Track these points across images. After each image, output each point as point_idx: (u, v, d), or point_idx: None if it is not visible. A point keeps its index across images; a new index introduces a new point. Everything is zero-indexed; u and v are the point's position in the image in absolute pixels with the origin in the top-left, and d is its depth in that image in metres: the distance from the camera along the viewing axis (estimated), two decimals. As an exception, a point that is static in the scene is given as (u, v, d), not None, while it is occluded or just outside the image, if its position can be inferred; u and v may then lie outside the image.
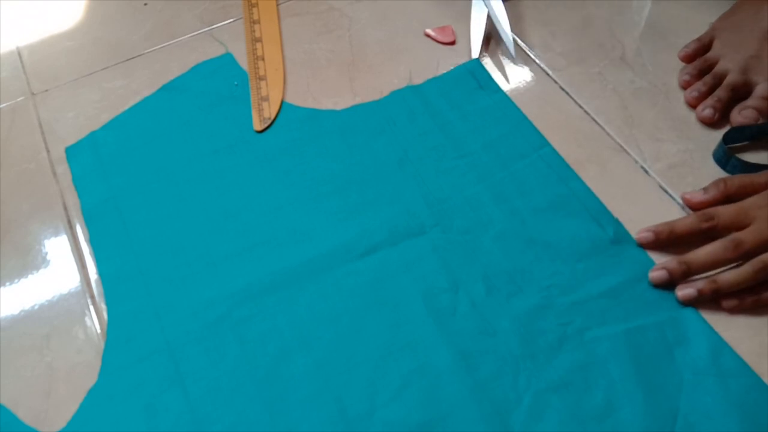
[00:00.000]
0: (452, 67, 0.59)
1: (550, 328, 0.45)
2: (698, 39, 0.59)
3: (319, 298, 0.46)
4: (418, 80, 0.59)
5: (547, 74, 0.59)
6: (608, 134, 0.55)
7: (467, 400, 0.42)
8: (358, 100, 0.58)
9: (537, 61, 0.60)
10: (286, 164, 0.53)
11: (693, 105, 0.56)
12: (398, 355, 0.44)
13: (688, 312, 0.45)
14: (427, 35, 0.62)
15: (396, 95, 0.57)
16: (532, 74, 0.59)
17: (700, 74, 0.57)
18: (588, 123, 0.55)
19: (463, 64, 0.59)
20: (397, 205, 0.51)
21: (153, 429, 0.42)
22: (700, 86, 0.56)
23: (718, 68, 0.56)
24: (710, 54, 0.57)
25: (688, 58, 0.58)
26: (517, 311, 0.45)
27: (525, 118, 0.55)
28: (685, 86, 0.57)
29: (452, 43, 0.61)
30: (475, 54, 0.59)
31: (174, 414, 0.42)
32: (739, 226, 0.45)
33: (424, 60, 0.60)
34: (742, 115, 0.54)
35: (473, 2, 0.61)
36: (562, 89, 0.58)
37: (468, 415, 0.41)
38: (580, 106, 0.57)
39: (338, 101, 0.58)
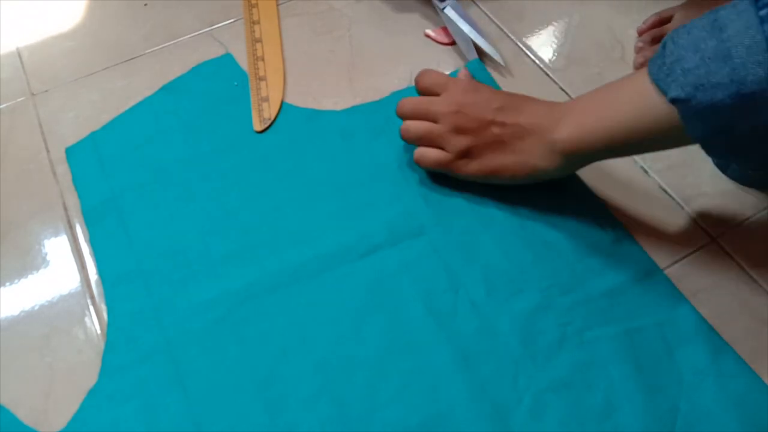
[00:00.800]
0: (453, 68, 0.59)
1: (550, 329, 0.45)
2: (658, 13, 0.60)
3: (319, 298, 0.46)
4: (418, 80, 0.59)
5: (547, 74, 0.59)
6: (608, 134, 0.55)
7: (467, 400, 0.42)
8: (358, 101, 0.58)
9: (537, 61, 0.60)
10: (286, 165, 0.53)
11: (636, 69, 0.57)
12: (398, 355, 0.44)
13: (688, 312, 0.45)
14: (427, 36, 0.62)
15: (396, 96, 0.57)
16: (532, 74, 0.59)
17: (654, 41, 0.58)
18: (588, 123, 0.55)
19: (465, 64, 0.59)
20: (397, 206, 0.51)
21: (153, 429, 0.42)
22: (647, 52, 0.57)
23: None
24: (669, 25, 0.59)
25: (645, 32, 0.60)
26: (517, 311, 0.45)
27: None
28: (637, 52, 0.59)
29: (452, 43, 0.61)
30: (473, 55, 0.59)
31: (174, 414, 0.42)
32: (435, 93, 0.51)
33: (424, 60, 0.60)
34: None
35: (444, 19, 0.61)
36: (562, 89, 0.58)
37: (468, 415, 0.41)
38: (580, 107, 0.56)
39: (338, 102, 0.58)
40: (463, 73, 0.56)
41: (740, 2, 0.36)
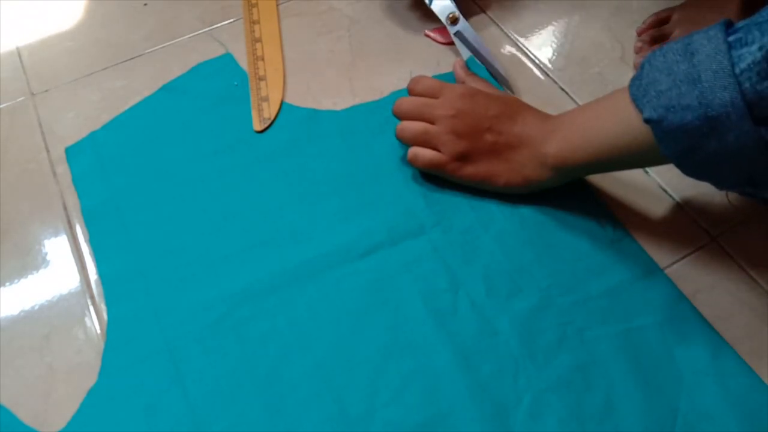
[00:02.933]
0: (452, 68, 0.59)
1: (549, 328, 0.45)
2: (657, 13, 0.60)
3: (319, 298, 0.46)
4: (418, 80, 0.59)
5: (547, 74, 0.59)
6: (608, 134, 0.55)
7: (467, 401, 0.42)
8: (357, 101, 0.58)
9: (537, 61, 0.60)
10: (286, 164, 0.53)
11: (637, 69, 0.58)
12: (398, 355, 0.44)
13: (688, 311, 0.45)
14: (427, 35, 0.62)
15: (396, 96, 0.57)
16: (532, 74, 0.59)
17: (653, 42, 0.58)
18: (588, 123, 0.55)
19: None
20: (397, 205, 0.51)
21: (153, 429, 0.42)
22: (646, 52, 0.57)
23: (670, 38, 0.58)
24: (667, 25, 0.59)
25: (644, 33, 0.60)
26: (517, 311, 0.45)
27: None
28: (637, 52, 0.59)
29: (452, 43, 0.61)
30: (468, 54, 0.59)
31: (174, 414, 0.42)
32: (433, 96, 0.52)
33: (424, 60, 0.60)
34: None
35: (455, 42, 0.60)
36: (562, 89, 0.58)
37: (468, 415, 0.41)
38: (580, 106, 0.56)
39: (338, 101, 0.58)
40: (458, 64, 0.56)
41: (712, 28, 0.38)
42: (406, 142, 0.52)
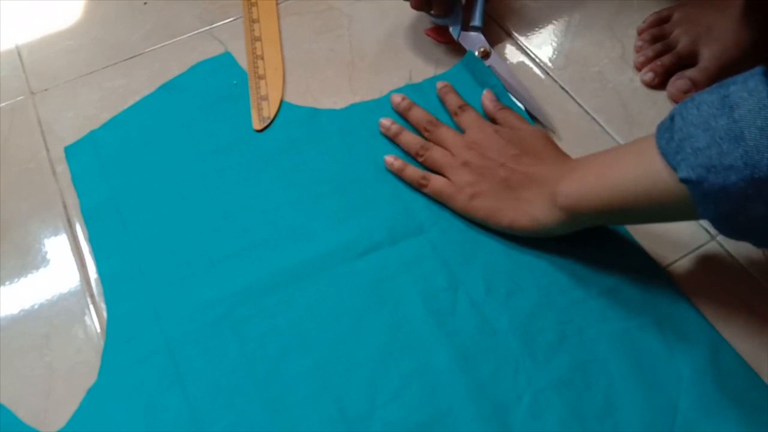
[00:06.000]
0: (452, 66, 0.59)
1: (549, 327, 0.45)
2: (657, 12, 0.60)
3: (319, 297, 0.46)
4: (417, 79, 0.59)
5: (548, 73, 0.59)
6: (608, 133, 0.55)
7: (466, 400, 0.42)
8: (357, 99, 0.58)
9: (537, 60, 0.60)
10: (286, 164, 0.53)
11: (639, 69, 0.58)
12: (398, 354, 0.44)
13: (688, 310, 0.45)
14: (427, 35, 0.62)
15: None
16: (533, 73, 0.59)
17: (653, 41, 0.58)
18: (588, 122, 0.55)
19: (461, 61, 0.59)
20: (397, 204, 0.51)
21: (153, 429, 0.42)
22: (648, 51, 0.58)
23: (671, 37, 0.58)
24: (667, 24, 0.59)
25: (644, 32, 0.60)
26: (517, 310, 0.45)
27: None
28: (637, 51, 0.59)
29: (451, 41, 0.61)
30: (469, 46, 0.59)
31: (174, 414, 0.42)
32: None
33: (424, 59, 0.60)
34: (674, 85, 0.55)
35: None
36: (562, 88, 0.58)
37: (467, 415, 0.41)
38: (580, 105, 0.56)
39: (337, 100, 0.58)
40: (487, 98, 0.54)
41: (750, 79, 0.35)
42: (403, 148, 0.53)
